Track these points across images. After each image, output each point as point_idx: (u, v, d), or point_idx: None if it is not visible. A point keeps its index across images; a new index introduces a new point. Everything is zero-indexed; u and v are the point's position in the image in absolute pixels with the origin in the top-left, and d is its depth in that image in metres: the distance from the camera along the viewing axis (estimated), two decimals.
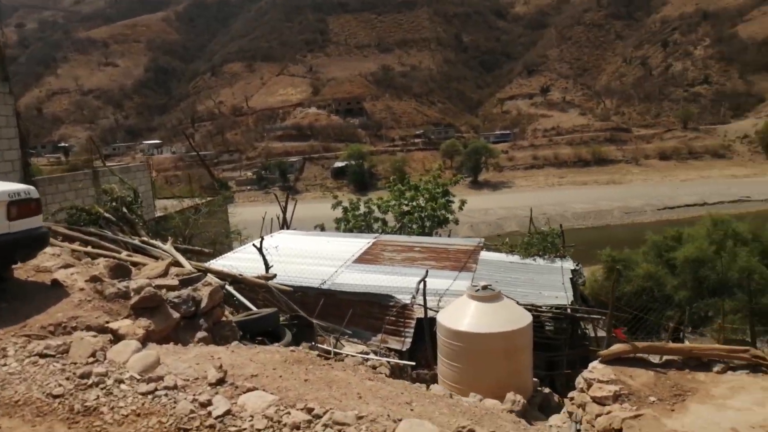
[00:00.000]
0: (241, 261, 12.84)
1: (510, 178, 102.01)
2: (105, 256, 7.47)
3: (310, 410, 3.24)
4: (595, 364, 7.86)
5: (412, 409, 3.31)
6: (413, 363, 8.61)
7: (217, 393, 3.50)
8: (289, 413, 3.20)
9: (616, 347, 7.94)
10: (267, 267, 10.98)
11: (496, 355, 9.27)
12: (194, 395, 3.46)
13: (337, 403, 3.39)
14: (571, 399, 7.98)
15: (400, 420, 3.12)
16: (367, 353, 8.15)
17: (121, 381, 3.69)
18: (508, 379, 9.49)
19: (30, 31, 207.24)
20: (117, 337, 4.51)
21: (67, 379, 3.74)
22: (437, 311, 10.67)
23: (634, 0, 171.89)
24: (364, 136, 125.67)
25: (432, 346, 10.27)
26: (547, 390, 10.24)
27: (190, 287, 5.77)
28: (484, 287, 9.55)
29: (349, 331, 9.16)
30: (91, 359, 4.00)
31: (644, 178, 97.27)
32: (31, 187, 5.56)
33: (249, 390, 3.51)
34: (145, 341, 4.55)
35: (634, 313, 11.98)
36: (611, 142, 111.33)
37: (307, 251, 14.83)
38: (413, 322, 10.54)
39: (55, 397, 3.53)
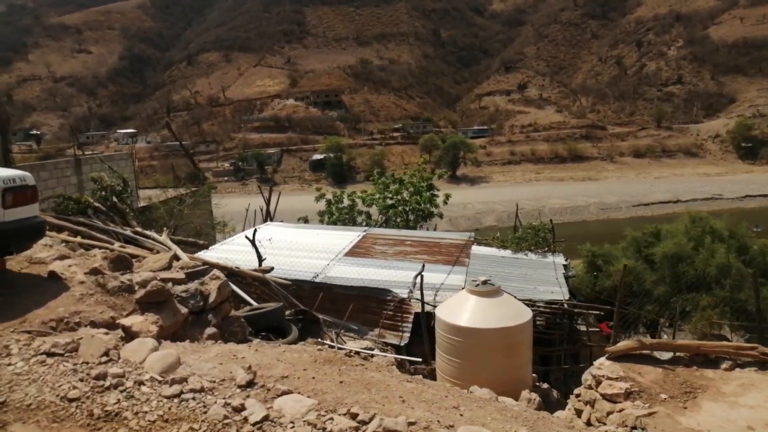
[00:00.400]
0: (230, 253, 12.46)
1: (488, 173, 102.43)
2: (98, 247, 7.10)
3: (354, 415, 3.00)
4: (602, 361, 7.75)
5: (461, 414, 3.09)
6: (420, 360, 8.40)
7: (248, 396, 3.24)
8: (332, 419, 2.95)
9: (624, 344, 7.85)
10: (260, 259, 10.66)
11: (496, 350, 9.14)
12: (225, 399, 3.19)
13: (380, 408, 3.16)
14: (578, 396, 7.86)
15: (452, 426, 2.90)
16: (372, 349, 7.92)
17: (141, 383, 3.40)
18: (508, 375, 9.38)
19: None
20: (129, 335, 4.21)
21: (81, 380, 3.44)
22: (434, 306, 10.50)
23: (609, 0, 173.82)
24: (343, 129, 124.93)
25: (430, 340, 10.10)
26: (545, 385, 10.16)
27: (197, 281, 5.46)
28: (484, 282, 9.41)
29: (354, 326, 8.91)
30: (104, 358, 3.69)
31: (619, 175, 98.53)
32: (28, 174, 5.19)
33: (283, 393, 3.25)
34: (157, 339, 4.26)
35: (630, 310, 11.95)
36: (587, 139, 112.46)
37: (297, 243, 14.51)
38: (411, 317, 10.35)
39: (71, 400, 3.23)
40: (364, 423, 2.94)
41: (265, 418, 2.95)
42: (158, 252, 7.75)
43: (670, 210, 69.13)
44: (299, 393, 3.28)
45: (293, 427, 2.89)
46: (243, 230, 21.74)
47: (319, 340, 6.85)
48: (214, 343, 4.60)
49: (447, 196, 27.88)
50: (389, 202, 27.15)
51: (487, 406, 3.31)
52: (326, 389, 3.36)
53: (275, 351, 4.13)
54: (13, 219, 5.03)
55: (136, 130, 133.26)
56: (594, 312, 11.47)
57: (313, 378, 3.51)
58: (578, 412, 7.71)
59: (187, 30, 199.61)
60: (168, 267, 5.72)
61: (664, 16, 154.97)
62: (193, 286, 5.30)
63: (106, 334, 3.92)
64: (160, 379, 3.43)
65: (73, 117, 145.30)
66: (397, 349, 9.83)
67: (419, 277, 10.65)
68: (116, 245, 7.68)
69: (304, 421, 2.94)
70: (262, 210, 24.19)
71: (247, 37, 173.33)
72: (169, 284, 5.23)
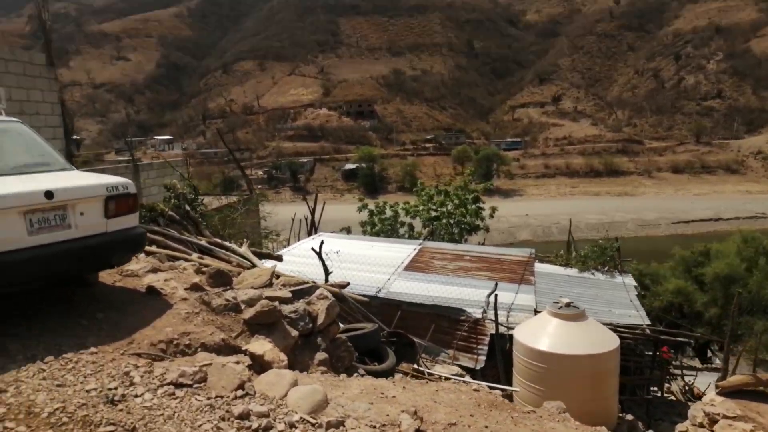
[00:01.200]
0: (292, 264, 12.11)
1: (521, 186, 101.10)
2: (182, 259, 6.76)
3: None
4: (714, 397, 7.16)
5: None
6: (518, 389, 7.87)
7: None
8: None
9: (737, 378, 7.24)
10: (326, 273, 10.25)
11: (582, 379, 8.57)
12: None
13: None
14: None
15: None
16: (462, 375, 7.42)
17: (292, 425, 2.97)
18: (594, 405, 8.77)
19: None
20: (258, 364, 3.79)
21: (223, 419, 3.02)
22: (509, 327, 9.97)
23: (646, 12, 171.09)
24: (375, 138, 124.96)
25: (504, 364, 9.55)
26: (630, 417, 9.56)
27: (302, 300, 5.05)
28: (568, 305, 8.91)
29: (446, 351, 8.42)
30: (240, 392, 3.28)
31: (657, 191, 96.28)
32: (129, 181, 4.84)
33: None
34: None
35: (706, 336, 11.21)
36: (623, 153, 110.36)
37: (352, 256, 14.08)
38: (487, 339, 9.82)
39: None
40: None
41: None
42: (238, 264, 7.39)
43: (711, 228, 67.16)
44: None
45: None
46: (289, 241, 21.53)
47: (416, 366, 6.39)
48: (342, 375, 4.15)
49: (493, 210, 27.29)
50: (433, 214, 26.67)
51: None
52: None
53: (426, 390, 3.67)
54: (116, 229, 4.68)
55: (172, 136, 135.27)
56: (683, 340, 10.75)
57: (486, 427, 3.03)
58: None
59: (223, 39, 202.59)
60: (269, 284, 5.33)
61: (703, 28, 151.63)
62: (300, 306, 4.88)
63: (237, 363, 3.51)
64: (312, 421, 3.00)
65: (111, 123, 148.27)
66: (473, 373, 9.32)
67: (493, 296, 10.14)
68: (194, 256, 7.34)
69: None
70: (306, 220, 23.92)
71: (282, 47, 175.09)
72: (276, 303, 4.82)
